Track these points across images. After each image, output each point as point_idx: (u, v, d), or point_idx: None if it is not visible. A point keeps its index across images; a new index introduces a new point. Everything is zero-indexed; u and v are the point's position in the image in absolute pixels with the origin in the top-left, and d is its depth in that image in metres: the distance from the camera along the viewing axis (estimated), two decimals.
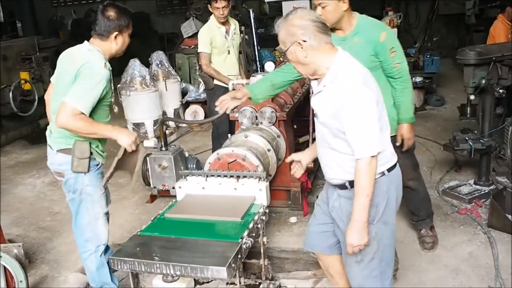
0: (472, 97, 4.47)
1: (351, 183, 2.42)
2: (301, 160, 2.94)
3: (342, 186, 2.50)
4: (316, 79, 2.45)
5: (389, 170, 2.44)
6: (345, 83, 2.30)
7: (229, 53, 5.35)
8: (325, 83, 2.37)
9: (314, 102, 2.49)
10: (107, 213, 3.25)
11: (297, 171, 2.98)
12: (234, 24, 5.42)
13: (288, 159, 2.99)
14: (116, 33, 3.03)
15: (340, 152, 2.41)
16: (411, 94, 3.44)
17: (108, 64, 3.03)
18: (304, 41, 2.31)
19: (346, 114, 2.26)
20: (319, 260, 2.99)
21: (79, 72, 2.91)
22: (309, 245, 2.94)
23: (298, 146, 5.21)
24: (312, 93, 2.56)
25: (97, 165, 3.12)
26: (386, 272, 2.53)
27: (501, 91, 4.32)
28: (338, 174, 2.50)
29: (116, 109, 3.24)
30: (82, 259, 3.28)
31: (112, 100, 3.20)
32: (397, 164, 2.53)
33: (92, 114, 2.95)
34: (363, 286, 2.53)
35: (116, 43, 3.07)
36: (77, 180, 3.06)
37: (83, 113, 2.83)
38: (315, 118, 2.52)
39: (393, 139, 3.21)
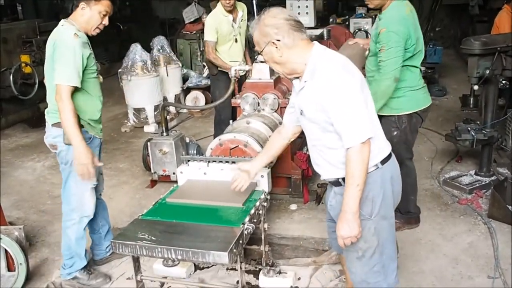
0: (476, 87, 4.45)
1: (344, 179, 2.32)
2: (250, 170, 2.85)
3: (336, 183, 2.44)
4: (297, 77, 2.38)
5: (383, 162, 2.35)
6: (324, 73, 2.23)
7: (236, 41, 5.30)
8: (306, 79, 2.30)
9: (299, 101, 2.40)
10: (99, 189, 3.51)
11: (242, 183, 2.89)
12: (242, 11, 5.34)
13: (235, 167, 2.81)
14: (82, 4, 3.13)
15: (332, 148, 2.33)
16: (380, 89, 3.46)
17: (80, 33, 3.13)
18: (278, 40, 2.25)
19: (331, 103, 2.19)
20: (341, 260, 2.91)
21: (54, 50, 3.08)
22: (332, 246, 2.94)
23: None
24: (295, 92, 2.47)
25: (90, 138, 3.26)
26: (389, 266, 2.47)
27: (504, 82, 4.31)
28: (330, 172, 2.43)
29: (101, 79, 3.39)
30: (63, 227, 3.41)
31: (96, 68, 3.29)
32: (392, 155, 2.45)
33: (84, 86, 3.15)
34: (366, 280, 2.47)
35: (82, 14, 3.15)
36: (69, 152, 3.18)
37: (73, 87, 3.04)
38: (301, 117, 2.42)
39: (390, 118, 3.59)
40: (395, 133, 3.61)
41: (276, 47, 2.27)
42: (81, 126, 3.13)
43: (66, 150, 3.19)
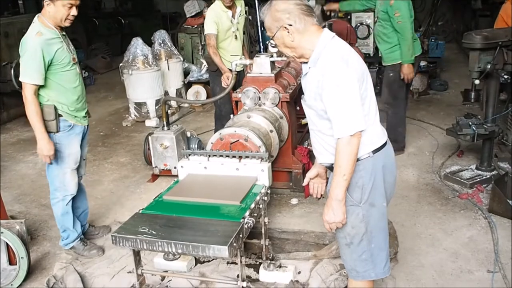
0: (477, 82, 4.44)
1: None
2: (319, 173, 2.76)
3: (332, 168, 2.44)
4: (305, 62, 2.40)
5: (376, 151, 2.36)
6: (324, 62, 2.26)
7: (236, 38, 5.29)
8: (310, 65, 2.34)
9: (303, 84, 2.46)
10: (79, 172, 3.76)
11: (318, 188, 2.81)
12: (240, 6, 5.32)
13: (305, 182, 2.80)
14: (46, 1, 3.29)
15: (326, 134, 2.37)
16: (406, 45, 4.94)
17: (46, 30, 3.31)
18: (290, 25, 2.28)
19: (325, 93, 2.23)
20: None
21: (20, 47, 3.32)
22: None
23: (300, 127, 5.20)
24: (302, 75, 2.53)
25: (70, 125, 3.50)
26: (378, 255, 2.48)
27: (506, 76, 4.29)
28: (324, 157, 2.47)
29: (78, 70, 3.55)
30: (51, 204, 3.75)
31: (71, 59, 3.44)
32: (387, 144, 2.46)
33: (55, 80, 3.35)
34: (355, 268, 2.52)
35: (49, 10, 3.32)
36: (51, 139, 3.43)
37: (36, 85, 3.27)
38: (302, 101, 2.47)
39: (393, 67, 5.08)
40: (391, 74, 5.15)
41: (288, 32, 2.30)
42: (59, 116, 3.40)
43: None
